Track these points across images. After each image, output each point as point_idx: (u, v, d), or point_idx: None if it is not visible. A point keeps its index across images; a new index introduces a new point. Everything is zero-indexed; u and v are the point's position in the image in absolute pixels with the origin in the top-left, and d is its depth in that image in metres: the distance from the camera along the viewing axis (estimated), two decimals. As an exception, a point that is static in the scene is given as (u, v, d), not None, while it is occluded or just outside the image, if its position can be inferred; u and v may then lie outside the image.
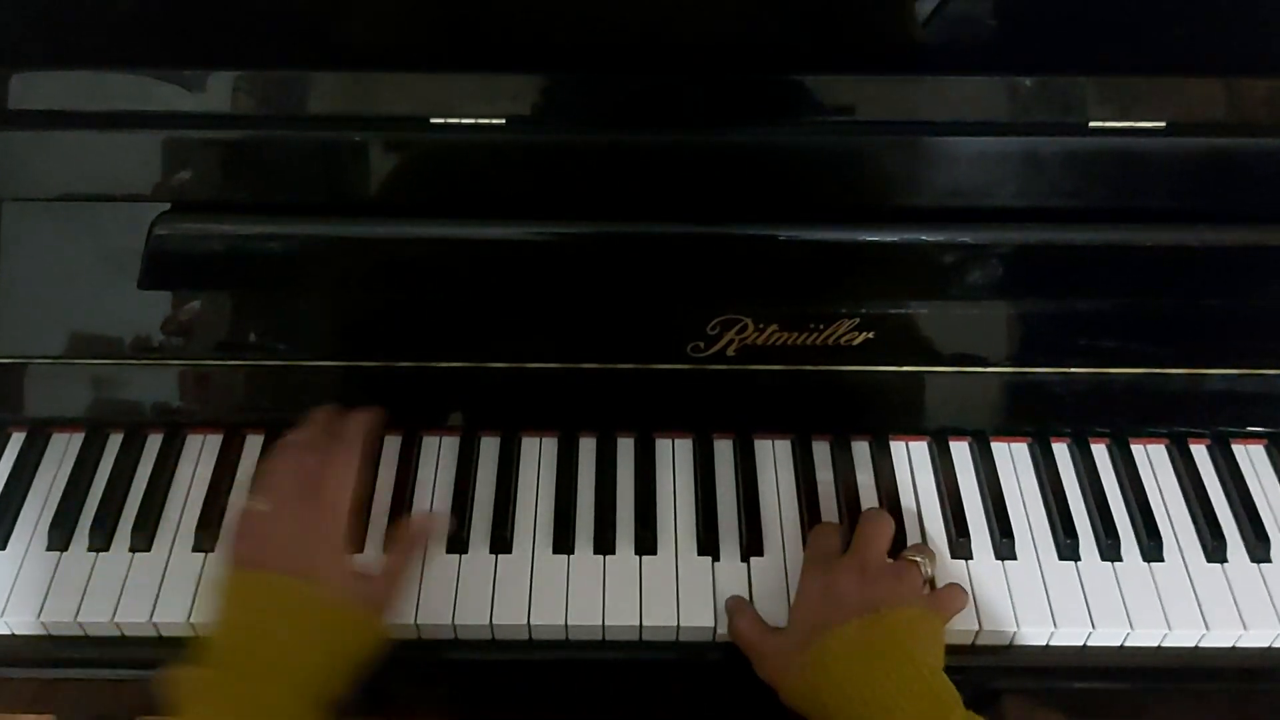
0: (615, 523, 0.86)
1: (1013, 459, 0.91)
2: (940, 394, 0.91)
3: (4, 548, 0.85)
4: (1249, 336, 0.90)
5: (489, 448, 0.91)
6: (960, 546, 0.85)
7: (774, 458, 0.91)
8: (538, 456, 0.91)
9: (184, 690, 0.69)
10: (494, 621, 0.81)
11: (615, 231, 0.86)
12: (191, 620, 0.81)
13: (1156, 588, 0.83)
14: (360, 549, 0.85)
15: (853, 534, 0.84)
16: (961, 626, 0.81)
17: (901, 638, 0.74)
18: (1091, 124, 0.84)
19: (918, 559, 0.81)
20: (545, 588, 0.83)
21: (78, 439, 0.91)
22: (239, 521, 0.77)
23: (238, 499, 0.79)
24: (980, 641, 0.82)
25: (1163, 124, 0.84)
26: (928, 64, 0.86)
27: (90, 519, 0.86)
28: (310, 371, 0.90)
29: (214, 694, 0.68)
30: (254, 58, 0.85)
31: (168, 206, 0.85)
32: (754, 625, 0.80)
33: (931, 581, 0.82)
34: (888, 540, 0.83)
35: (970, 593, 0.83)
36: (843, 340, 0.88)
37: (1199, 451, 0.92)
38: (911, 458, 0.91)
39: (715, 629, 0.81)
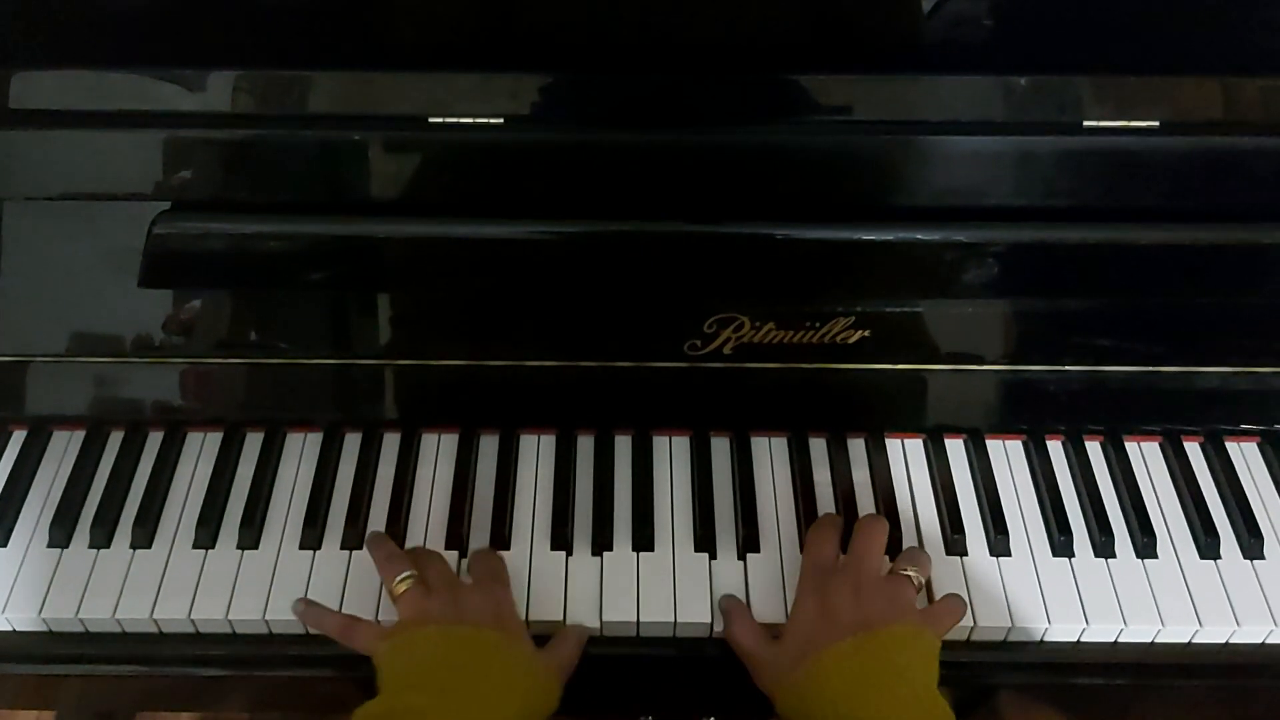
0: (613, 520, 0.87)
1: (1007, 456, 0.92)
2: (935, 392, 0.92)
3: (5, 545, 0.86)
4: (1242, 334, 0.90)
5: (488, 445, 0.92)
6: (955, 543, 0.86)
7: (770, 455, 0.91)
8: (536, 454, 0.92)
9: (401, 714, 0.71)
10: (492, 618, 0.81)
11: (613, 230, 0.86)
12: (192, 616, 0.81)
13: (1150, 584, 0.84)
14: (360, 545, 0.85)
15: (848, 536, 0.84)
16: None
17: (894, 656, 0.75)
18: (1086, 123, 0.85)
19: (910, 572, 0.81)
20: (543, 584, 0.83)
21: (79, 437, 0.92)
22: (412, 595, 0.79)
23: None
24: (975, 638, 0.82)
25: (1156, 123, 0.85)
26: (923, 64, 0.86)
27: (91, 516, 0.87)
28: (309, 369, 0.91)
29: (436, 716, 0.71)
30: (253, 57, 0.85)
31: (168, 205, 0.86)
32: (750, 633, 0.80)
33: (927, 586, 0.83)
34: (882, 551, 0.83)
35: (965, 589, 0.83)
36: (838, 338, 0.88)
37: (1193, 449, 0.92)
38: (907, 455, 0.92)
39: (712, 625, 0.82)
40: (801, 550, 0.85)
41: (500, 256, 0.87)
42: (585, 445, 0.92)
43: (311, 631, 0.82)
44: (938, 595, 0.83)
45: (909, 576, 0.80)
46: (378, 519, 0.87)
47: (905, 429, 0.93)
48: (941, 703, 0.73)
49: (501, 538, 0.86)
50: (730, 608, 0.81)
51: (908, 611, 0.78)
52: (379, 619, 0.81)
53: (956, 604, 0.81)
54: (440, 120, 0.84)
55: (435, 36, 0.87)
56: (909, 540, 0.87)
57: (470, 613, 0.77)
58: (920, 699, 0.73)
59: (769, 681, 0.78)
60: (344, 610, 0.81)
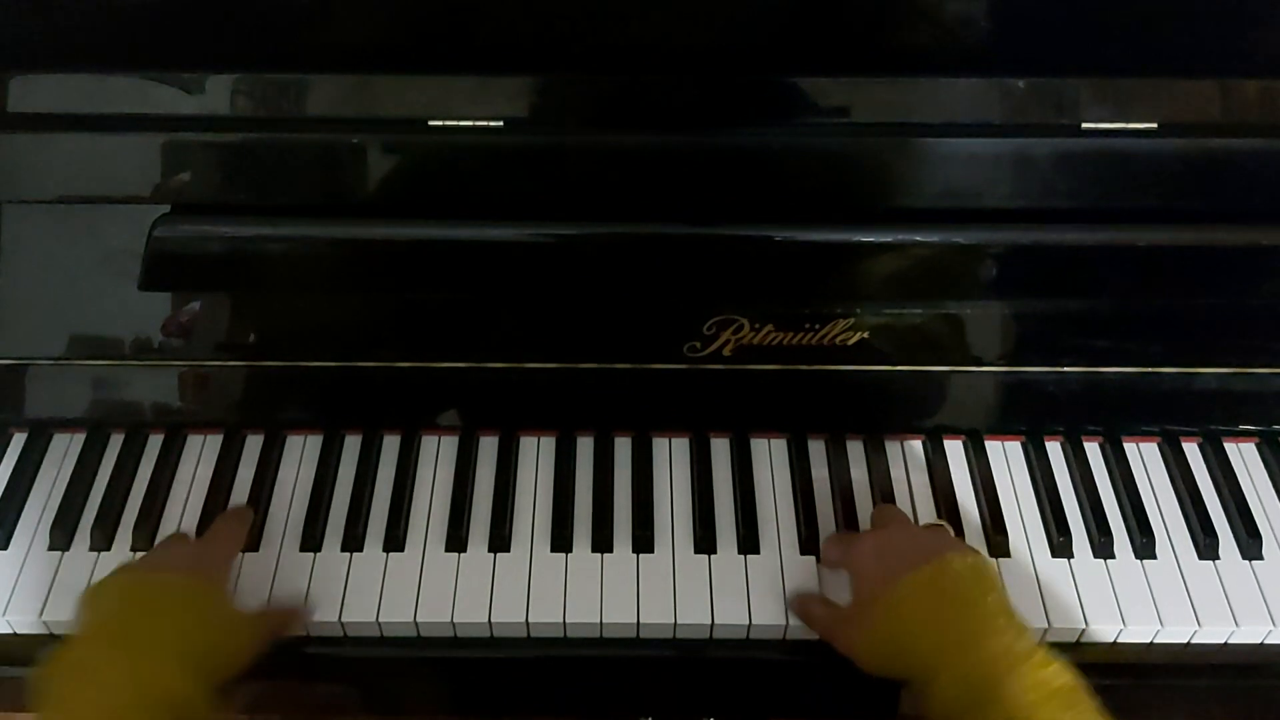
0: (613, 521, 0.87)
1: (1006, 457, 0.92)
2: (934, 393, 0.92)
3: (6, 547, 0.86)
4: (1241, 335, 0.90)
5: (488, 447, 0.92)
6: (954, 544, 0.86)
7: (770, 457, 0.91)
8: (536, 456, 0.92)
9: (57, 673, 0.69)
10: (493, 619, 0.82)
11: (612, 232, 0.86)
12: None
13: (1149, 585, 0.84)
14: (361, 547, 0.85)
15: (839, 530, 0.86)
16: (956, 623, 0.81)
17: (969, 576, 0.74)
18: (1084, 125, 0.85)
19: (942, 524, 0.84)
20: (544, 586, 0.83)
21: (79, 439, 0.92)
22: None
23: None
24: (974, 638, 0.83)
25: (1154, 125, 0.85)
26: (922, 65, 0.87)
27: (91, 519, 0.87)
28: (310, 372, 0.91)
29: (89, 670, 0.69)
30: (253, 61, 0.86)
31: (168, 208, 0.86)
32: (825, 607, 0.81)
33: None
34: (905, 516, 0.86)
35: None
36: (838, 340, 0.89)
37: (1191, 450, 0.93)
38: (906, 456, 0.92)
39: (712, 627, 0.82)
40: (801, 553, 0.85)
41: (500, 259, 0.87)
42: (585, 447, 0.92)
43: (311, 634, 0.82)
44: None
45: (943, 526, 0.83)
46: (377, 520, 0.87)
47: (904, 430, 0.93)
48: (1021, 618, 0.73)
49: (501, 539, 0.86)
50: (801, 598, 0.83)
51: (960, 544, 0.80)
52: (379, 620, 0.81)
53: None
54: (440, 123, 0.84)
55: (434, 39, 0.87)
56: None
57: (164, 562, 0.79)
58: (1007, 609, 0.73)
59: (851, 636, 0.77)
60: (344, 612, 0.82)
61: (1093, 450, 0.92)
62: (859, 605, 0.79)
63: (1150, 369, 0.90)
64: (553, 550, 0.86)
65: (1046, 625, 0.82)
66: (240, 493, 0.89)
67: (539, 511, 0.88)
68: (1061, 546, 0.86)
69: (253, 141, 0.85)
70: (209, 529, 0.85)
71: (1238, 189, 0.86)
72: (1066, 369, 0.90)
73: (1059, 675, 0.68)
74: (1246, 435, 0.93)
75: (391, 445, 0.92)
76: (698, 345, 0.89)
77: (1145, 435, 0.93)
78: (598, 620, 0.82)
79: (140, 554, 0.85)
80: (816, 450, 0.92)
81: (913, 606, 0.73)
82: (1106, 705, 0.86)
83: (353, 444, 0.92)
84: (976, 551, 0.78)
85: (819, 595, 0.82)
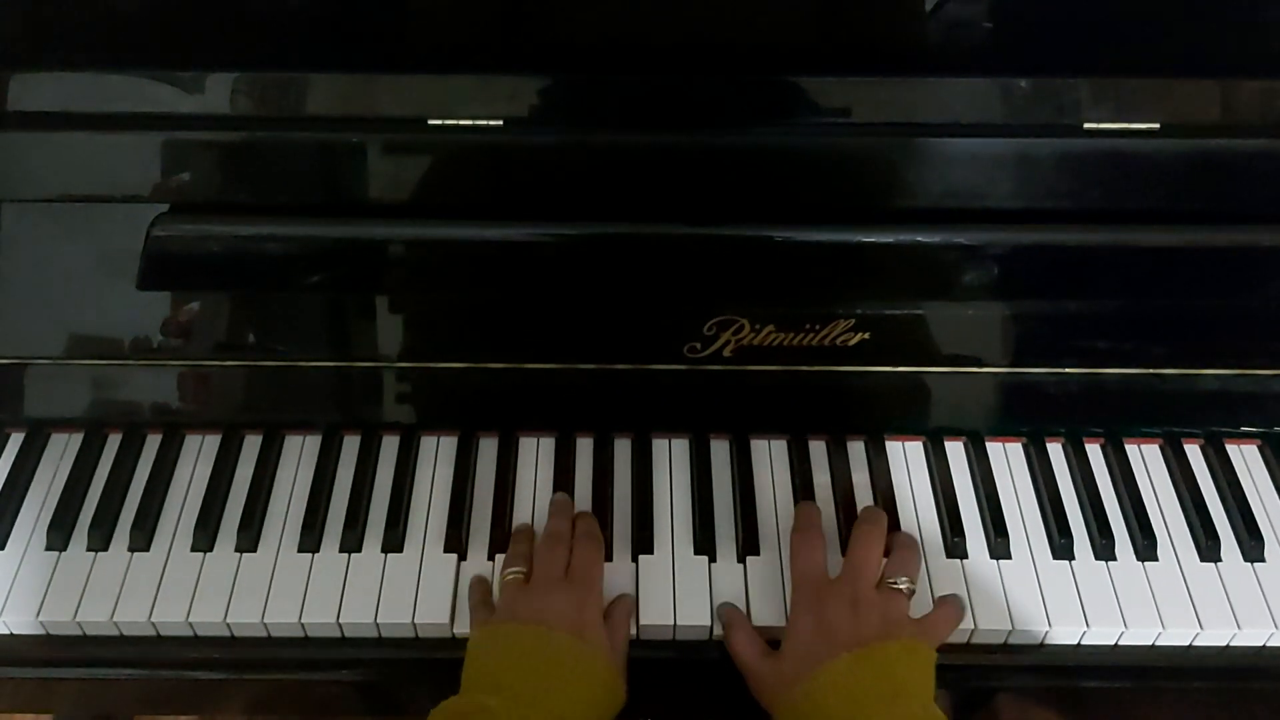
0: (613, 522, 0.87)
1: (1008, 459, 0.92)
2: (935, 394, 0.91)
3: (3, 548, 0.85)
4: (1242, 336, 0.90)
5: (487, 448, 0.92)
6: (955, 546, 0.86)
7: (770, 458, 0.91)
8: (535, 456, 0.91)
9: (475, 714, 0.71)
10: (492, 621, 0.81)
11: (613, 233, 0.86)
12: (190, 619, 0.81)
13: (1150, 587, 0.84)
14: (359, 548, 0.85)
15: (840, 533, 0.85)
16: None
17: (892, 673, 0.74)
18: (1086, 125, 0.85)
19: (901, 585, 0.80)
20: (543, 587, 0.83)
21: (77, 439, 0.91)
22: (510, 589, 0.81)
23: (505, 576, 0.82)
24: (976, 640, 0.82)
25: (1156, 125, 0.85)
26: (923, 66, 0.86)
27: (89, 519, 0.86)
28: (308, 372, 0.91)
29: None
30: (252, 59, 0.85)
31: (166, 207, 0.86)
32: (750, 646, 0.80)
33: (928, 580, 0.83)
34: (879, 562, 0.82)
35: (965, 592, 0.83)
36: (839, 341, 0.88)
37: (1193, 451, 0.92)
38: (907, 458, 0.92)
39: (712, 628, 0.81)
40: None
41: (499, 259, 0.87)
42: (585, 448, 0.92)
43: (310, 635, 0.82)
44: (937, 596, 0.83)
45: (900, 590, 0.80)
46: (376, 522, 0.87)
47: (905, 432, 0.93)
48: (939, 716, 0.73)
49: (500, 541, 0.85)
50: (730, 618, 0.81)
51: (903, 625, 0.78)
52: (378, 621, 0.81)
53: (953, 612, 0.81)
54: (439, 122, 0.84)
55: (434, 38, 0.87)
56: (909, 543, 0.86)
57: (552, 615, 0.77)
58: (917, 715, 0.73)
59: (768, 697, 0.78)
60: (343, 613, 0.81)
61: (1094, 452, 0.92)
62: (781, 673, 0.77)
63: (1152, 370, 0.90)
64: (552, 551, 0.85)
65: (1048, 627, 0.81)
66: (239, 493, 0.88)
67: (538, 513, 0.88)
68: (1063, 548, 0.86)
69: (251, 140, 0.85)
70: (573, 568, 0.82)
71: (1240, 189, 0.86)
72: (1068, 370, 0.90)
73: None
74: (1248, 437, 0.93)
75: (390, 446, 0.91)
76: (698, 346, 0.89)
77: (1147, 437, 0.93)
78: (597, 621, 0.81)
79: (512, 570, 0.82)
80: (817, 452, 0.92)
81: (830, 697, 0.73)
82: (1107, 708, 0.87)
83: (351, 444, 0.92)
84: (913, 638, 0.77)
85: (746, 624, 0.81)
